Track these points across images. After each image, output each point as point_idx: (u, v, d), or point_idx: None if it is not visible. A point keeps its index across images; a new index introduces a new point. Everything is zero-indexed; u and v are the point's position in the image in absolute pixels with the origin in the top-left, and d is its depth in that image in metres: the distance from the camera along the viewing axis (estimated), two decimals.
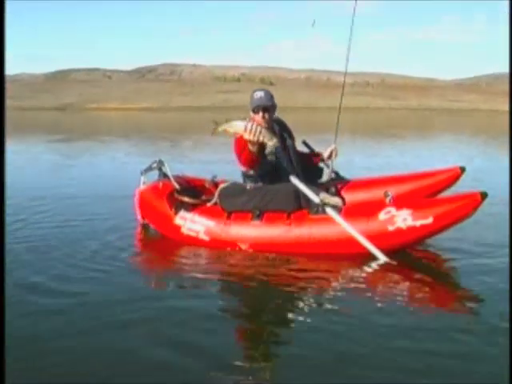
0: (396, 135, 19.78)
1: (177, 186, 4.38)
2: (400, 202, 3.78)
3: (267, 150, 3.83)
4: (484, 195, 3.50)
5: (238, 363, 2.40)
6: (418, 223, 3.59)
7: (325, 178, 4.47)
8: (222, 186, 4.22)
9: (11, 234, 4.30)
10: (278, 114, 4.18)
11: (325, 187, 4.22)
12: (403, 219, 3.62)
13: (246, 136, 3.50)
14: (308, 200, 3.87)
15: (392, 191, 4.00)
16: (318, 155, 4.44)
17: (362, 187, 4.41)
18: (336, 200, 3.90)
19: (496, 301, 3.05)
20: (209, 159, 10.11)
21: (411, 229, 3.61)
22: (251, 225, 3.95)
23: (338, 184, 4.42)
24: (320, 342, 2.60)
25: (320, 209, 3.81)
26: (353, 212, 3.84)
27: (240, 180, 4.18)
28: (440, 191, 4.22)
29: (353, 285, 3.40)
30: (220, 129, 3.64)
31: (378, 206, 3.81)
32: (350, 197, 4.27)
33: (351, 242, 3.68)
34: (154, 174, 4.61)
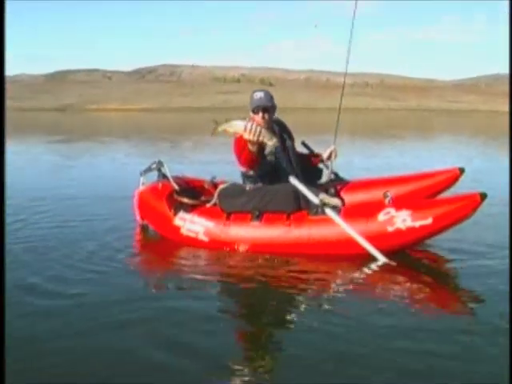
0: (395, 136, 19.79)
1: (176, 187, 4.37)
2: (399, 203, 3.78)
3: (267, 151, 3.83)
4: (483, 196, 3.50)
5: (236, 364, 2.40)
6: (418, 224, 3.59)
7: (324, 178, 4.47)
8: (221, 186, 4.22)
9: (11, 234, 4.30)
10: (277, 115, 4.18)
11: (324, 188, 4.22)
12: (402, 220, 3.62)
13: (246, 136, 3.50)
14: (307, 201, 3.87)
15: (391, 192, 4.01)
16: (317, 156, 4.44)
17: (361, 188, 4.41)
18: (335, 201, 3.90)
19: (496, 301, 3.05)
20: (208, 160, 10.11)
21: (410, 229, 3.61)
22: (250, 225, 3.95)
23: (338, 185, 4.41)
24: (319, 342, 2.59)
25: (319, 210, 3.81)
26: (352, 213, 3.84)
27: (239, 181, 4.18)
28: (439, 192, 4.22)
29: (352, 286, 3.40)
30: (220, 129, 3.64)
31: (378, 206, 3.81)
32: (350, 198, 4.27)
33: (351, 242, 3.67)
34: (154, 175, 4.60)
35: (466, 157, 11.14)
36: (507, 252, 3.81)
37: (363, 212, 3.82)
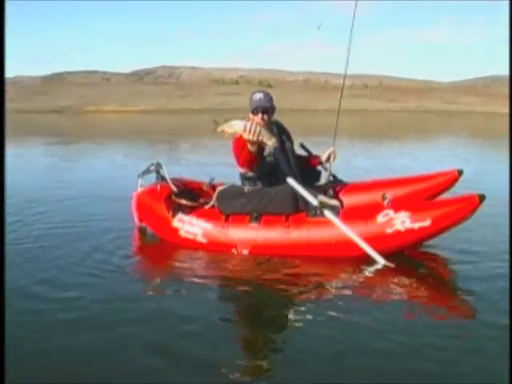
0: (394, 137, 19.80)
1: (174, 189, 4.37)
2: (398, 205, 3.78)
3: (266, 151, 3.83)
4: (482, 197, 3.51)
5: (235, 365, 2.39)
6: (416, 225, 3.59)
7: (323, 180, 4.47)
8: (219, 188, 4.22)
9: (11, 234, 4.31)
10: (276, 116, 4.18)
11: (323, 190, 4.21)
12: (401, 222, 3.61)
13: (246, 136, 3.49)
14: (306, 202, 3.87)
15: (390, 194, 4.01)
16: (316, 158, 4.43)
17: (360, 190, 4.41)
18: (334, 202, 3.90)
19: (496, 300, 3.06)
20: (207, 162, 10.12)
21: (409, 231, 3.61)
22: (249, 227, 3.94)
23: (336, 187, 4.41)
24: (319, 344, 2.59)
25: (318, 211, 3.80)
26: (351, 214, 3.84)
27: (238, 183, 4.18)
28: (438, 194, 4.22)
29: (351, 287, 3.40)
30: (219, 129, 3.63)
31: (376, 208, 3.81)
32: (348, 199, 4.27)
33: (349, 244, 3.67)
34: (152, 177, 4.59)
35: (464, 158, 11.16)
36: (507, 252, 3.80)
37: (362, 214, 3.82)
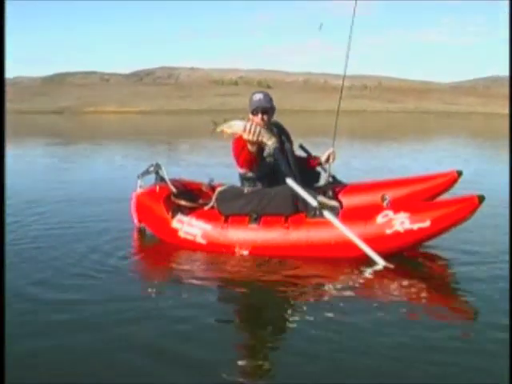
0: (393, 138, 19.81)
1: (174, 190, 4.36)
2: (397, 206, 3.78)
3: (266, 152, 3.83)
4: (481, 198, 3.50)
5: (235, 365, 2.39)
6: (416, 226, 3.59)
7: (322, 181, 4.47)
8: (219, 189, 4.21)
9: (10, 234, 4.29)
10: (275, 117, 4.18)
11: (322, 191, 4.21)
12: (401, 222, 3.61)
13: (246, 136, 3.48)
14: (306, 203, 3.86)
15: (389, 195, 4.01)
16: (315, 159, 4.43)
17: (359, 191, 4.41)
18: (333, 203, 3.90)
19: (496, 301, 3.06)
20: (206, 162, 10.11)
21: (409, 232, 3.61)
22: (248, 228, 3.94)
23: (336, 187, 4.41)
24: (318, 345, 2.59)
25: (317, 212, 3.80)
26: (350, 215, 3.83)
27: (237, 184, 4.17)
28: (437, 195, 4.22)
29: (351, 288, 3.39)
30: (218, 129, 3.62)
31: (376, 209, 3.81)
32: (348, 200, 4.27)
33: (349, 245, 3.67)
34: (151, 178, 4.59)
35: (463, 159, 11.16)
36: (507, 253, 3.80)
37: (361, 214, 3.82)
